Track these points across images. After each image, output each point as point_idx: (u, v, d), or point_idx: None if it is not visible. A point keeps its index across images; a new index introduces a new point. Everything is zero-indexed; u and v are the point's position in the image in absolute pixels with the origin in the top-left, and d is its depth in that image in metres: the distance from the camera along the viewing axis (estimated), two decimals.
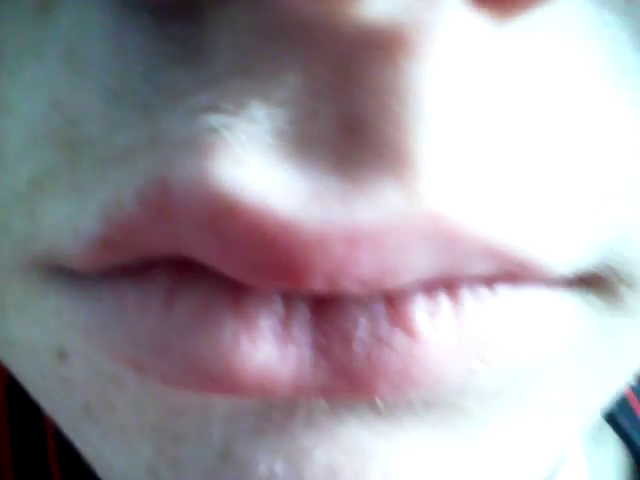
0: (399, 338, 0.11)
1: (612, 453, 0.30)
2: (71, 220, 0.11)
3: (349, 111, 0.10)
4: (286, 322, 0.11)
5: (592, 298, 0.13)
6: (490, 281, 0.12)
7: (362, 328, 0.11)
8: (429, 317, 0.11)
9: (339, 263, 0.10)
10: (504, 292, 0.12)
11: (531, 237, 0.11)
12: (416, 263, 0.11)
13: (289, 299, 0.11)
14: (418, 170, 0.10)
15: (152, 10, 0.10)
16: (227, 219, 0.10)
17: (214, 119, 0.10)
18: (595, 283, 0.13)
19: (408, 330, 0.11)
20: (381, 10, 0.09)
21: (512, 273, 0.12)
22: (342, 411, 0.12)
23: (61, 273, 0.13)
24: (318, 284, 0.10)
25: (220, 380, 0.11)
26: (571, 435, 0.16)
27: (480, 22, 0.10)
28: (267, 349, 0.11)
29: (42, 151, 0.11)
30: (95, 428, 0.14)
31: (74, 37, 0.11)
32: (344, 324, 0.11)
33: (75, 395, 0.14)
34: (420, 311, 0.11)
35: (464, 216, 0.10)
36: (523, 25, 0.10)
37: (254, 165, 0.10)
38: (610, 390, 0.16)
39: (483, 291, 0.12)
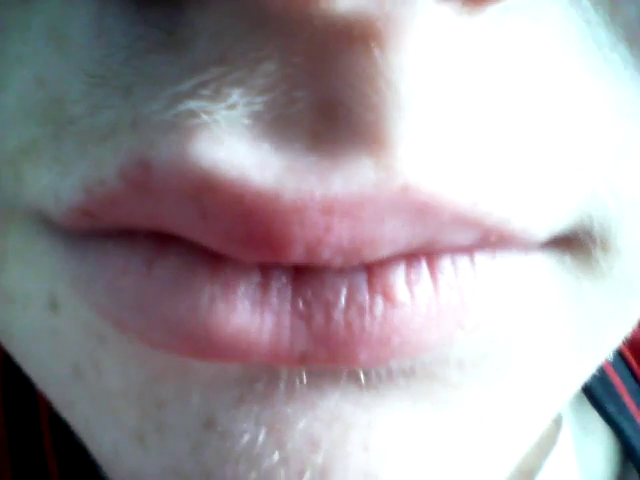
0: (379, 305, 0.11)
1: (600, 440, 0.30)
2: (53, 188, 0.12)
3: (324, 95, 0.10)
4: (263, 288, 0.12)
5: (569, 261, 0.13)
6: (470, 250, 0.12)
7: (342, 296, 0.11)
8: (408, 285, 0.12)
9: (316, 232, 0.11)
10: (483, 260, 0.12)
11: (508, 206, 0.11)
12: (392, 234, 0.11)
13: (267, 268, 0.11)
14: (391, 147, 0.10)
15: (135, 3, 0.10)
16: (207, 192, 0.11)
17: (194, 104, 0.10)
18: (571, 246, 0.13)
19: (388, 297, 0.12)
20: (353, 4, 0.09)
21: (491, 242, 0.12)
22: (323, 383, 0.13)
23: (50, 227, 0.13)
24: (297, 254, 0.11)
25: (196, 342, 0.12)
26: (551, 406, 0.16)
27: (449, 11, 0.10)
28: (244, 314, 0.11)
29: (28, 123, 0.12)
30: (84, 392, 0.14)
31: (58, 18, 0.11)
32: (324, 292, 0.12)
33: (65, 354, 0.14)
34: (399, 279, 0.12)
35: (438, 188, 0.11)
36: (495, 11, 0.11)
37: (232, 144, 0.10)
38: (589, 361, 0.16)
39: (463, 260, 0.12)
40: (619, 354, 0.33)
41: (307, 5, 0.09)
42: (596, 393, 0.30)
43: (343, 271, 0.11)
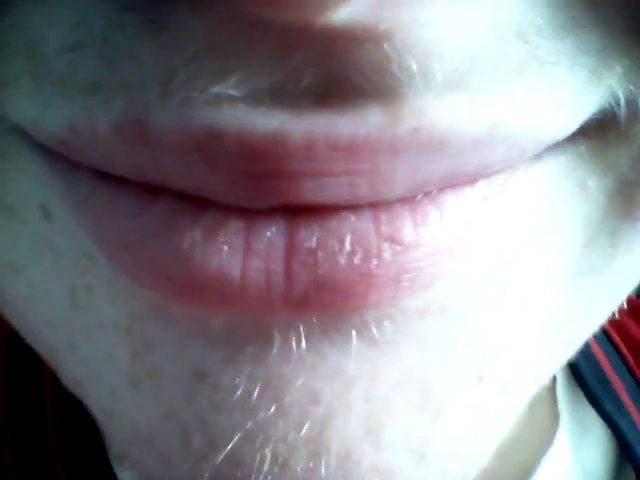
0: (387, 251, 0.11)
1: (597, 437, 0.30)
2: (33, 117, 0.12)
3: (334, 70, 0.10)
4: (248, 232, 0.11)
5: (585, 153, 0.13)
6: (474, 179, 0.12)
7: (347, 241, 0.11)
8: (415, 227, 0.12)
9: (322, 163, 0.11)
10: (485, 188, 0.12)
11: (528, 117, 0.12)
12: (403, 170, 0.11)
13: (255, 214, 0.11)
14: (400, 101, 0.10)
15: None
16: (212, 143, 0.11)
17: (191, 84, 0.10)
18: (589, 135, 0.13)
19: (395, 241, 0.11)
20: (351, 15, 0.10)
21: (514, 158, 0.12)
22: (323, 344, 0.12)
23: (32, 142, 0.13)
24: (307, 190, 0.11)
25: (178, 284, 0.12)
26: (552, 354, 0.16)
27: None
28: (224, 257, 0.11)
29: (11, 58, 0.12)
30: (81, 324, 0.14)
31: None
32: (327, 238, 0.11)
33: (63, 273, 0.14)
34: (406, 223, 0.12)
35: (452, 121, 0.11)
36: None
37: (234, 103, 0.10)
38: (584, 311, 0.16)
39: (465, 192, 0.12)
40: (618, 352, 0.34)
41: (305, 16, 0.09)
42: (594, 390, 0.31)
43: (346, 218, 0.11)
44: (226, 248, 0.11)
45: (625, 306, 0.18)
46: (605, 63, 0.12)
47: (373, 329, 0.13)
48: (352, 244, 0.11)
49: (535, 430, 0.28)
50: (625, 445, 0.29)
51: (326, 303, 0.11)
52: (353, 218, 0.11)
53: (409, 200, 0.12)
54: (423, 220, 0.12)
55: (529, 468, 0.27)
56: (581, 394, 0.31)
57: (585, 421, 0.30)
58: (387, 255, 0.11)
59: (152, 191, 0.12)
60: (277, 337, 0.12)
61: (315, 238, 0.11)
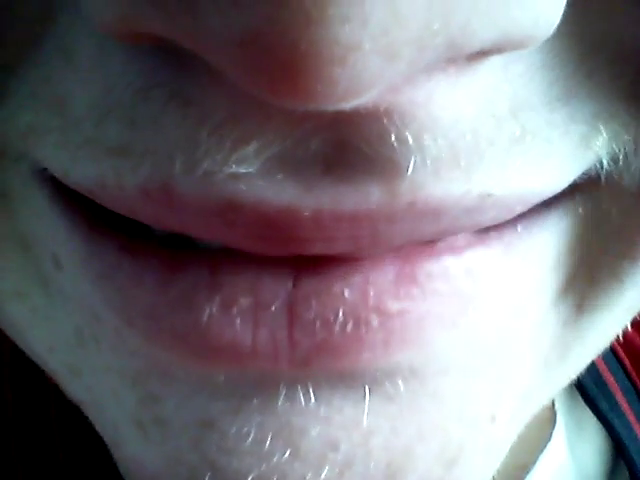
0: (374, 320, 0.13)
1: (593, 436, 0.31)
2: (62, 166, 0.13)
3: (339, 138, 0.11)
4: (257, 308, 0.13)
5: (580, 210, 0.15)
6: (458, 250, 0.14)
7: (341, 313, 0.13)
8: (398, 299, 0.13)
9: (330, 233, 0.12)
10: (475, 258, 0.14)
11: (521, 185, 0.13)
12: (402, 231, 0.13)
13: (262, 293, 0.13)
14: (399, 178, 0.12)
15: (137, 47, 0.12)
16: (231, 212, 0.12)
17: (211, 159, 0.11)
18: (583, 191, 0.14)
19: (381, 312, 0.13)
20: (360, 102, 0.10)
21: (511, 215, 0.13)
22: (329, 395, 0.14)
23: (50, 189, 0.14)
24: (314, 248, 0.12)
25: (196, 349, 0.13)
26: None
27: (452, 71, 0.11)
28: (240, 329, 0.13)
29: (40, 109, 0.13)
30: (86, 360, 0.15)
31: (66, 42, 0.12)
32: (324, 311, 0.13)
33: (70, 315, 0.15)
34: (391, 297, 0.13)
35: (444, 194, 0.12)
36: (488, 65, 0.12)
37: (252, 181, 0.12)
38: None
39: (455, 263, 0.14)
40: (613, 354, 0.35)
41: (319, 106, 0.10)
42: (590, 392, 0.31)
43: (339, 293, 0.13)
44: (238, 321, 0.13)
45: None
46: (594, 129, 0.13)
47: (387, 385, 0.14)
48: (344, 315, 0.13)
49: (533, 429, 0.29)
50: (619, 444, 0.30)
51: (325, 363, 0.13)
52: (346, 293, 0.13)
53: (397, 271, 0.13)
54: (406, 293, 0.13)
55: (526, 466, 0.28)
56: (578, 395, 0.32)
57: (581, 421, 0.31)
58: (375, 323, 0.13)
59: (173, 266, 0.13)
60: (282, 390, 0.14)
61: (313, 311, 0.13)
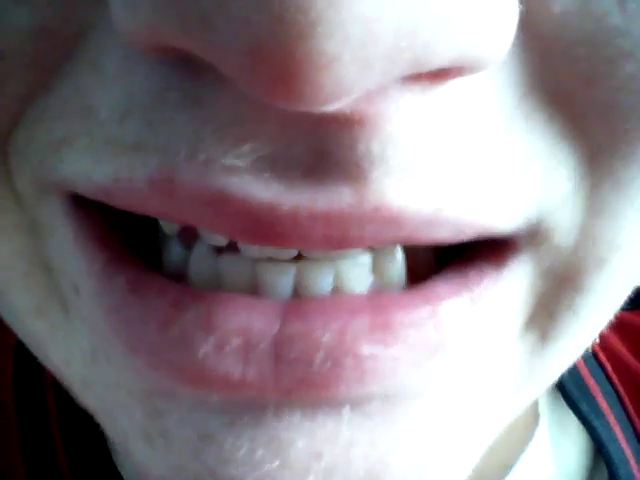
0: (349, 362, 0.14)
1: (574, 436, 0.32)
2: (85, 171, 0.15)
3: (317, 147, 0.13)
4: (247, 350, 0.15)
5: (523, 257, 0.16)
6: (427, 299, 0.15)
7: (320, 355, 0.14)
8: (371, 344, 0.15)
9: (305, 229, 0.14)
10: (446, 310, 0.15)
11: (467, 206, 0.14)
12: (367, 234, 0.14)
13: (249, 337, 0.15)
14: (367, 186, 0.13)
15: (157, 58, 0.13)
16: (221, 203, 0.13)
17: (211, 152, 0.13)
18: (524, 238, 0.16)
19: (355, 356, 0.15)
20: (339, 107, 0.12)
21: (467, 234, 0.15)
22: (312, 413, 0.15)
23: (73, 217, 0.16)
24: (292, 242, 0.14)
25: (194, 380, 0.15)
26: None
27: (416, 91, 0.13)
28: (231, 366, 0.15)
29: (70, 121, 0.14)
30: (99, 376, 0.17)
31: (96, 55, 0.14)
32: (305, 354, 0.14)
33: (86, 335, 0.17)
34: (365, 344, 0.15)
35: (404, 205, 0.14)
36: (447, 90, 0.14)
37: (242, 175, 0.13)
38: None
39: (422, 312, 0.15)
40: (595, 359, 0.36)
41: (309, 108, 0.12)
42: (572, 394, 0.32)
43: (318, 338, 0.14)
44: (230, 359, 0.14)
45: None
46: (529, 172, 0.15)
47: (364, 405, 0.16)
48: (323, 356, 0.14)
49: (516, 430, 0.30)
50: (599, 444, 0.31)
51: (306, 394, 0.15)
52: (325, 338, 0.14)
53: (372, 319, 0.15)
54: (379, 339, 0.15)
55: (508, 463, 0.29)
56: (560, 397, 0.33)
57: (564, 422, 0.32)
58: (350, 364, 0.14)
59: (175, 307, 0.15)
60: (271, 409, 0.15)
61: (295, 352, 0.14)
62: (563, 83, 0.14)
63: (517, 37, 0.13)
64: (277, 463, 0.15)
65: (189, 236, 0.17)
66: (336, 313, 0.15)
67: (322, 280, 0.16)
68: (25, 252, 0.17)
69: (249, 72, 0.11)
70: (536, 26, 0.13)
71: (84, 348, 0.17)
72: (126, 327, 0.15)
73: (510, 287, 0.16)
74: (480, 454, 0.18)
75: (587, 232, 0.16)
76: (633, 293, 0.43)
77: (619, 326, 0.38)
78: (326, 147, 0.13)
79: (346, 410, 0.15)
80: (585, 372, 0.34)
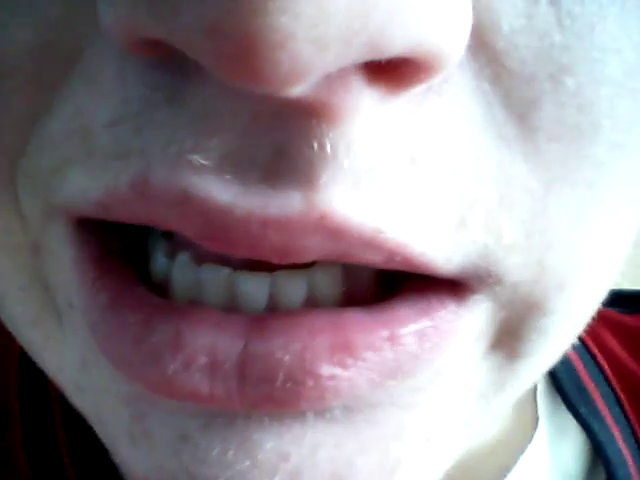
0: (309, 382, 0.15)
1: (573, 438, 0.32)
2: (84, 189, 0.15)
3: (275, 146, 0.13)
4: (214, 370, 0.15)
5: (480, 296, 0.16)
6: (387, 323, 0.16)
7: (280, 377, 0.15)
8: (332, 365, 0.15)
9: (255, 236, 0.14)
10: (404, 338, 0.16)
11: (405, 234, 0.14)
12: (311, 246, 0.14)
13: (215, 359, 0.15)
14: (315, 191, 0.14)
15: (147, 61, 0.14)
16: (185, 203, 0.14)
17: (182, 146, 0.14)
18: (477, 282, 0.16)
19: (316, 377, 0.15)
20: (301, 93, 0.13)
21: (396, 262, 0.15)
22: (279, 417, 0.16)
23: (74, 244, 0.17)
24: (242, 250, 0.14)
25: (165, 394, 0.16)
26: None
27: (375, 95, 0.13)
28: (198, 383, 0.15)
29: (70, 142, 0.15)
30: (91, 384, 0.18)
31: (93, 73, 0.14)
32: (267, 373, 0.15)
33: (77, 344, 0.18)
34: (326, 366, 0.15)
35: (347, 217, 0.14)
36: (417, 94, 0.14)
37: (205, 175, 0.14)
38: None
39: (380, 336, 0.16)
40: (595, 362, 0.36)
41: (270, 89, 0.12)
42: (571, 396, 0.33)
43: (280, 359, 0.15)
44: (197, 375, 0.15)
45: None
46: (472, 207, 0.15)
47: (327, 413, 0.16)
48: (284, 376, 0.15)
49: (516, 433, 0.31)
50: (597, 445, 0.31)
51: (269, 408, 0.15)
52: (286, 358, 0.15)
53: (332, 340, 0.15)
54: (339, 360, 0.15)
55: (507, 465, 0.29)
56: (559, 400, 0.33)
57: (563, 424, 0.32)
58: (310, 384, 0.15)
59: (145, 324, 0.16)
60: (241, 413, 0.16)
61: (258, 371, 0.15)
62: (515, 105, 0.14)
63: (473, 59, 0.14)
64: (247, 463, 0.16)
65: (174, 245, 0.18)
66: (297, 333, 0.15)
67: (293, 292, 0.17)
68: (25, 268, 0.18)
69: (212, 53, 0.12)
70: (488, 42, 0.14)
71: (75, 356, 0.18)
72: (105, 342, 0.16)
73: (471, 319, 0.17)
74: (453, 458, 0.19)
75: (544, 264, 0.16)
76: (632, 298, 0.44)
77: (618, 330, 0.39)
78: (285, 144, 0.13)
79: (310, 415, 0.16)
80: (584, 375, 0.34)
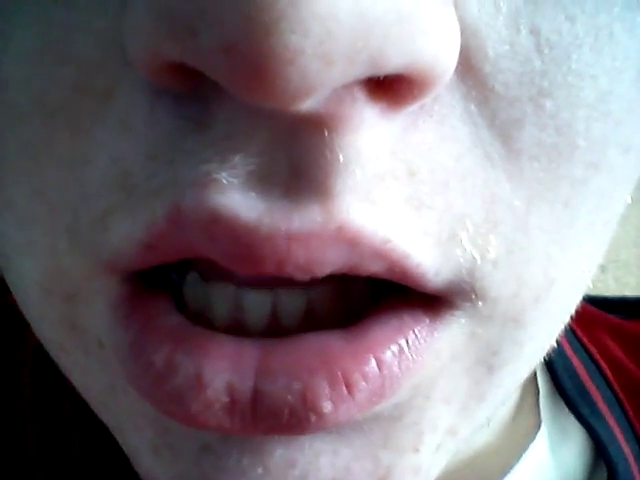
0: (312, 417, 0.16)
1: (575, 439, 0.33)
2: (127, 233, 0.16)
3: (293, 162, 0.15)
4: (232, 407, 0.16)
5: (459, 312, 0.18)
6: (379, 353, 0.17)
7: (286, 412, 0.16)
8: (331, 401, 0.16)
9: (281, 252, 0.15)
10: (392, 373, 0.17)
11: (408, 246, 0.16)
12: (330, 258, 0.15)
13: (234, 398, 0.16)
14: (331, 200, 0.15)
15: (175, 95, 0.15)
16: (214, 225, 0.15)
17: (209, 167, 0.15)
18: (459, 297, 0.17)
19: (317, 413, 0.16)
20: (311, 106, 0.14)
21: (396, 273, 0.16)
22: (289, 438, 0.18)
23: (108, 296, 0.18)
24: (269, 267, 0.15)
25: (190, 426, 0.17)
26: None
27: (376, 112, 0.15)
28: (220, 417, 0.17)
29: (109, 191, 0.16)
30: (117, 404, 0.19)
31: (126, 115, 0.16)
32: (275, 408, 0.16)
33: (107, 374, 0.19)
34: (326, 402, 0.16)
35: (361, 229, 0.15)
36: (410, 114, 0.15)
37: (232, 194, 0.15)
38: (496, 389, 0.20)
39: (374, 378, 0.17)
40: (597, 367, 0.37)
41: (283, 104, 0.13)
42: (573, 399, 0.34)
43: (285, 398, 0.16)
44: (219, 413, 0.16)
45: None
46: (462, 224, 0.16)
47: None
48: (289, 413, 0.16)
49: (518, 435, 0.32)
50: (599, 444, 0.32)
51: (279, 434, 0.17)
52: (289, 398, 0.16)
53: (330, 380, 0.16)
54: (337, 396, 0.16)
55: (510, 463, 0.30)
56: (562, 403, 0.34)
57: (565, 425, 0.33)
58: (313, 419, 0.16)
59: (169, 365, 0.17)
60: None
61: (267, 408, 0.16)
62: (500, 126, 0.16)
63: (461, 81, 0.15)
64: (260, 470, 0.17)
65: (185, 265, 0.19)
66: (298, 374, 0.16)
67: (294, 310, 0.18)
68: (55, 310, 0.19)
69: (229, 71, 0.13)
70: (475, 66, 0.15)
71: (103, 383, 0.19)
72: (133, 379, 0.17)
73: (448, 334, 0.18)
74: (443, 464, 0.20)
75: (522, 279, 0.17)
76: (633, 305, 0.45)
77: (619, 335, 0.40)
78: (301, 158, 0.14)
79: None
80: (586, 378, 0.36)
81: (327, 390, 0.16)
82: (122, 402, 0.19)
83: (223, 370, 0.16)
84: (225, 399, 0.16)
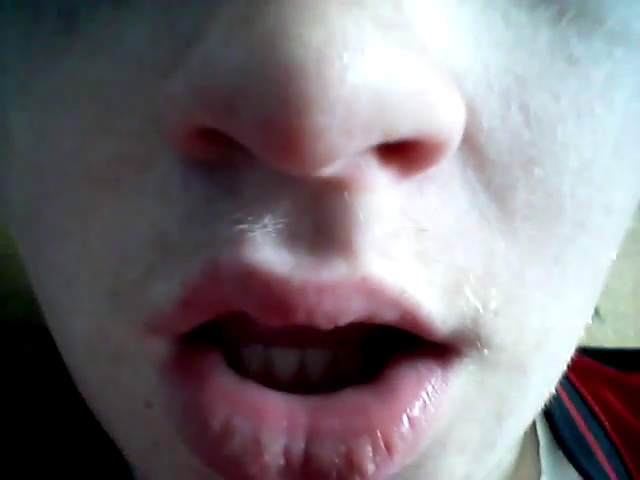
0: (356, 477, 0.18)
1: None
2: (166, 292, 0.17)
3: (318, 221, 0.16)
4: (286, 470, 0.17)
5: (467, 360, 0.19)
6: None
7: (335, 472, 0.17)
8: (374, 464, 0.18)
9: (312, 302, 0.16)
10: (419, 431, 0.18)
11: (419, 297, 0.17)
12: (353, 307, 0.17)
13: (289, 462, 0.17)
14: (355, 255, 0.16)
15: (206, 165, 0.17)
16: (250, 279, 0.16)
17: (243, 227, 0.16)
18: (466, 345, 0.18)
19: (362, 474, 0.18)
20: (332, 172, 0.15)
21: (408, 321, 0.17)
22: None
23: (154, 357, 0.18)
24: (301, 317, 0.16)
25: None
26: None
27: (389, 177, 0.16)
28: (273, 476, 0.17)
29: (146, 253, 0.17)
30: (159, 462, 0.20)
31: (163, 183, 0.17)
32: (323, 470, 0.17)
33: (151, 432, 0.20)
34: (370, 466, 0.18)
35: (381, 280, 0.17)
36: (417, 180, 0.17)
37: (266, 251, 0.16)
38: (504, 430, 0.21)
39: (404, 438, 0.18)
40: (594, 418, 0.38)
41: (310, 170, 0.15)
42: (573, 451, 0.35)
43: (332, 461, 0.17)
44: (275, 475, 0.17)
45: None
46: (465, 275, 0.18)
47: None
48: (337, 474, 0.17)
49: None
50: None
51: None
52: (336, 460, 0.17)
53: (372, 443, 0.18)
54: (380, 458, 0.18)
55: None
56: (561, 454, 0.35)
57: (565, 476, 0.34)
58: (358, 479, 0.18)
59: (226, 429, 0.17)
60: None
61: (317, 470, 0.17)
62: (495, 190, 0.17)
63: (459, 150, 0.17)
64: None
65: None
66: (343, 435, 0.17)
67: (320, 365, 0.19)
68: (102, 371, 0.20)
69: (265, 144, 0.14)
70: (471, 137, 0.17)
71: (147, 439, 0.20)
72: (187, 439, 0.18)
73: (458, 382, 0.19)
74: None
75: (523, 326, 0.19)
76: (631, 356, 0.46)
77: (618, 387, 0.41)
78: (325, 217, 0.16)
79: None
80: (584, 429, 0.36)
81: (370, 452, 0.17)
82: (165, 458, 0.20)
83: (280, 434, 0.17)
84: (282, 462, 0.17)
